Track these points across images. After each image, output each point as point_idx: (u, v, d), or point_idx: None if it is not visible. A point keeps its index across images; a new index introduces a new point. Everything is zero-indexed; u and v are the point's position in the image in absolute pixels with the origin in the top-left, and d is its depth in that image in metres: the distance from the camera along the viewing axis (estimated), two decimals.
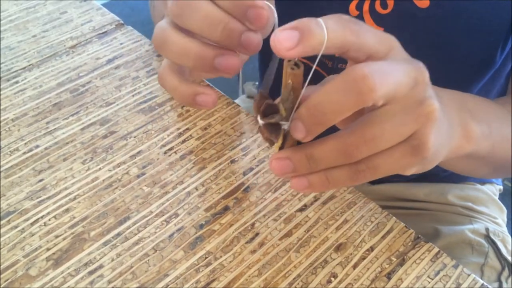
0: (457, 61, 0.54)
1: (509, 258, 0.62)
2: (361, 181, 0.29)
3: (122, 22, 0.66)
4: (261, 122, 0.28)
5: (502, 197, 1.33)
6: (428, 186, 0.67)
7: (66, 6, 0.68)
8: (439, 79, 0.58)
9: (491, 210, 0.68)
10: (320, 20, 0.26)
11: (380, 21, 0.53)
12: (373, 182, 0.69)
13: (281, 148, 0.29)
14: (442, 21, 0.50)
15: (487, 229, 0.64)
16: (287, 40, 0.25)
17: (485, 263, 0.61)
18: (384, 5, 0.52)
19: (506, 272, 0.60)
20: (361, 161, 0.28)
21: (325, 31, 0.26)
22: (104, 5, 0.69)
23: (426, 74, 0.29)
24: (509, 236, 0.66)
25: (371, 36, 0.28)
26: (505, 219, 0.70)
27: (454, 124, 0.35)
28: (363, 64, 0.26)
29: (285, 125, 0.28)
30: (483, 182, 0.70)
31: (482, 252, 0.61)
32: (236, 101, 0.84)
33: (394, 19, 0.52)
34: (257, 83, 0.81)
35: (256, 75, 0.75)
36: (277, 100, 0.28)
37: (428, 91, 0.29)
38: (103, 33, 0.64)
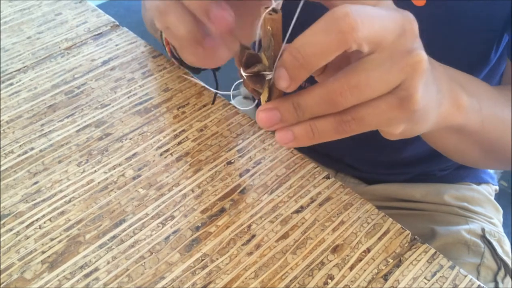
0: (452, 58, 0.54)
1: (505, 258, 0.62)
2: (347, 133, 0.28)
3: (117, 23, 0.66)
4: (244, 74, 0.28)
5: (498, 197, 1.34)
6: (424, 187, 0.68)
7: (61, 8, 0.68)
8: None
9: (487, 210, 0.68)
10: None
11: None
12: (369, 183, 0.69)
13: (267, 101, 0.29)
14: (438, 19, 0.50)
15: (483, 229, 0.64)
16: None
17: (481, 263, 0.61)
18: None
19: (502, 272, 0.60)
20: (346, 111, 0.27)
21: None
22: (99, 6, 0.69)
23: (414, 24, 0.28)
24: (505, 236, 0.66)
25: None
26: (501, 219, 0.70)
27: (444, 90, 0.34)
28: (346, 4, 0.25)
29: (269, 75, 0.28)
30: (479, 182, 0.70)
31: (478, 252, 0.61)
32: (233, 101, 0.83)
33: None
34: None
35: None
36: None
37: (417, 42, 0.28)
38: (98, 34, 0.64)
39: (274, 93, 0.29)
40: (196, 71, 0.56)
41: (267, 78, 0.28)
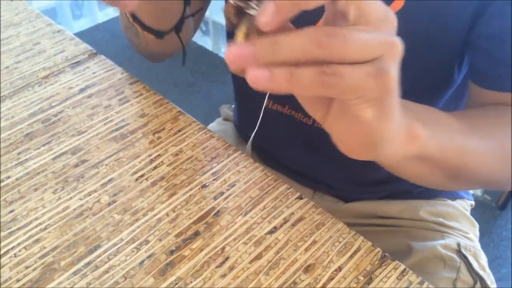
0: (415, 77, 0.56)
1: (481, 272, 0.63)
2: (324, 88, 0.27)
3: (95, 51, 0.67)
4: None
5: (482, 211, 1.35)
6: (400, 203, 0.69)
7: (39, 37, 0.69)
8: (403, 84, 0.59)
9: (463, 225, 0.69)
10: None
11: None
12: (346, 200, 0.70)
13: None
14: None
15: (458, 244, 0.65)
16: None
17: (457, 278, 0.62)
18: None
19: (478, 287, 0.61)
20: (328, 64, 0.27)
21: None
22: (84, 31, 0.70)
23: (395, 20, 0.29)
24: (481, 251, 0.67)
25: None
26: (477, 234, 0.71)
27: (401, 121, 0.34)
28: None
29: (254, 9, 0.27)
30: (454, 197, 0.72)
31: (454, 267, 0.62)
32: (213, 123, 0.85)
33: None
34: (232, 106, 0.83)
35: (231, 98, 0.76)
36: None
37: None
38: (76, 62, 0.65)
39: (249, 37, 0.27)
40: (159, 34, 0.56)
41: (251, 13, 0.27)
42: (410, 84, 0.57)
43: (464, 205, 0.72)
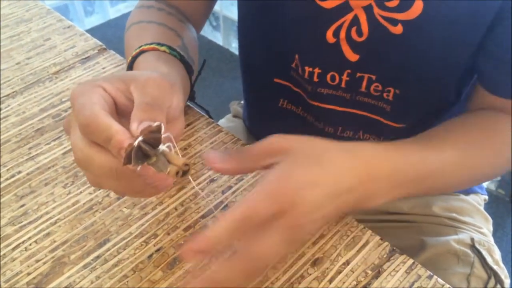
0: (430, 81, 0.56)
1: (495, 267, 0.62)
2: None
3: (105, 47, 0.67)
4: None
5: (496, 205, 1.32)
6: (412, 199, 0.68)
7: (50, 33, 0.69)
8: (416, 97, 0.61)
9: (476, 220, 0.68)
10: None
11: (357, 48, 0.55)
12: None
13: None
14: (415, 46, 0.52)
15: (472, 239, 0.64)
16: None
17: (471, 273, 0.61)
18: (359, 32, 0.53)
19: (492, 282, 0.61)
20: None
21: None
22: (97, 26, 0.71)
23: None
24: (495, 246, 0.66)
25: None
26: (491, 229, 0.70)
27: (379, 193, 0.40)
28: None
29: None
30: (467, 192, 0.71)
31: (468, 262, 0.61)
32: (222, 120, 0.85)
33: (370, 46, 0.54)
34: (242, 102, 0.83)
35: (241, 94, 0.76)
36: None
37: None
38: (85, 58, 0.65)
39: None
40: None
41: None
42: (429, 86, 0.57)
43: (478, 200, 0.71)
